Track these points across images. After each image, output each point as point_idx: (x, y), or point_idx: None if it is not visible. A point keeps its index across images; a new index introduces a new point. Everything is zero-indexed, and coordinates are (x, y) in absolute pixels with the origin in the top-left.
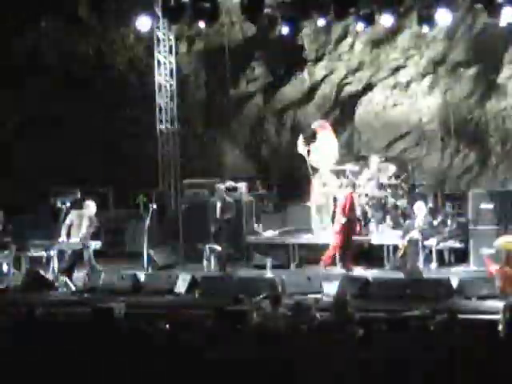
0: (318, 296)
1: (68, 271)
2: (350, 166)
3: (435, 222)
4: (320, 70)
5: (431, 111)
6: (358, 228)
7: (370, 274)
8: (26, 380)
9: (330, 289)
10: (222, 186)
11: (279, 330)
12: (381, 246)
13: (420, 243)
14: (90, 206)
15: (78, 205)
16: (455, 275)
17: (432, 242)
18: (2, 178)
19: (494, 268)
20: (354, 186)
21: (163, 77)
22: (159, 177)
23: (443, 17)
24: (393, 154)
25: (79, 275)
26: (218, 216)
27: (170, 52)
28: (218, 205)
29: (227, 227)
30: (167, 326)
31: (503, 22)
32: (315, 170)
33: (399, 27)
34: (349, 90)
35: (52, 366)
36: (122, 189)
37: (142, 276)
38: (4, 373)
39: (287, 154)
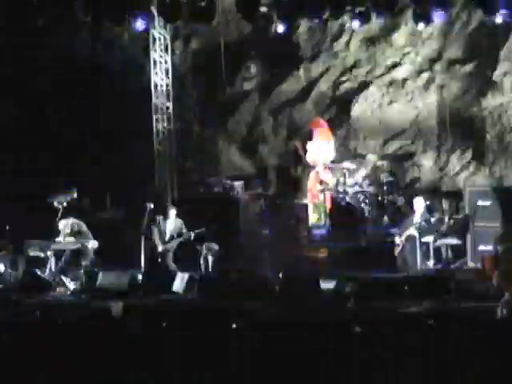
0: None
1: (65, 271)
2: (346, 164)
3: (432, 219)
4: (316, 68)
5: (427, 108)
6: None
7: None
8: (25, 381)
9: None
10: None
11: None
12: (378, 244)
13: (417, 240)
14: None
15: (74, 204)
16: (452, 272)
17: (429, 238)
18: None
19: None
20: None
21: (159, 76)
22: (155, 176)
23: (439, 14)
24: (389, 152)
25: (76, 275)
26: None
27: (166, 51)
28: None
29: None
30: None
31: (499, 18)
32: (312, 167)
33: (395, 25)
34: (345, 87)
35: (50, 368)
36: (120, 188)
37: (139, 275)
38: (2, 374)
39: (284, 152)
